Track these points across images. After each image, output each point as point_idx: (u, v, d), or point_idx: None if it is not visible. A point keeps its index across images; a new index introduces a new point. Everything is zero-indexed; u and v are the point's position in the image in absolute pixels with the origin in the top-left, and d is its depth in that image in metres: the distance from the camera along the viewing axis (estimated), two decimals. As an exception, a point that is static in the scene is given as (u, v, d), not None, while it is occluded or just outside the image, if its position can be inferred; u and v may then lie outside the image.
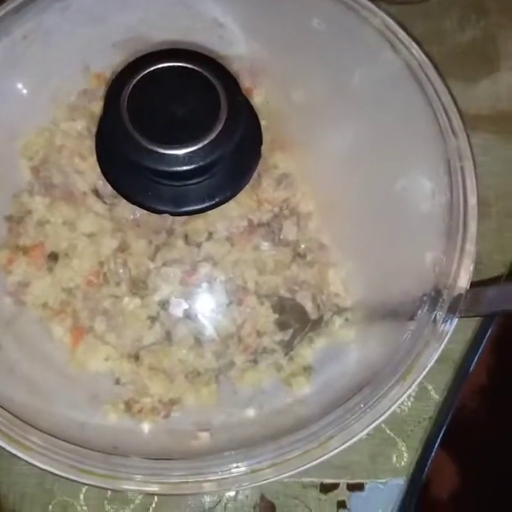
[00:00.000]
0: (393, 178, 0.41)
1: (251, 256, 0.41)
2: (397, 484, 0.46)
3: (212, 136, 0.33)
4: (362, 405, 0.36)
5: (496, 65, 0.56)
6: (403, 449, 0.47)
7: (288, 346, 0.42)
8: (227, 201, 0.37)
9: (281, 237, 0.43)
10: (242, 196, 0.40)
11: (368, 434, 0.45)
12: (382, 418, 0.35)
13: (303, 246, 0.43)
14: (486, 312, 0.37)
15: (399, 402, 0.35)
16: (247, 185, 0.39)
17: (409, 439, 0.47)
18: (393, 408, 0.35)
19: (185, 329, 0.41)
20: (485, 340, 0.45)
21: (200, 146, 0.32)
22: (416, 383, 0.35)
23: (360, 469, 0.46)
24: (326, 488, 0.46)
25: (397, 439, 0.47)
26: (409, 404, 0.47)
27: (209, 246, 0.41)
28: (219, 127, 0.33)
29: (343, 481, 0.46)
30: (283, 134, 0.42)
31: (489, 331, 0.46)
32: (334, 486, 0.46)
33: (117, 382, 0.41)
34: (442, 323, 0.36)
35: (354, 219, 0.42)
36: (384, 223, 0.41)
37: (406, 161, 0.41)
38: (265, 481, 0.35)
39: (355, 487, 0.46)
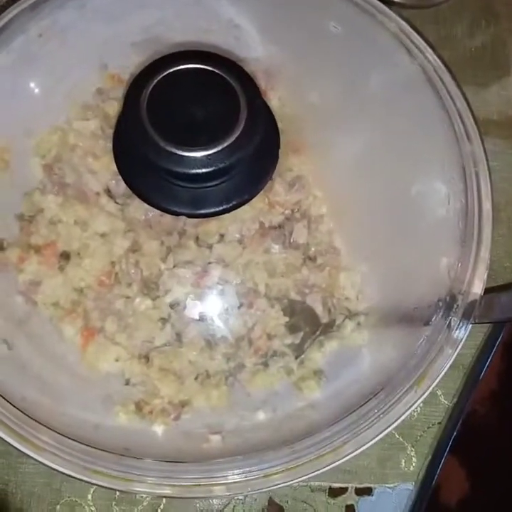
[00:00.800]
0: (407, 182, 0.41)
1: (262, 258, 0.41)
2: (406, 489, 0.46)
3: (232, 138, 0.32)
4: (376, 411, 0.35)
5: (506, 70, 0.56)
6: (412, 453, 0.47)
7: (298, 349, 0.42)
8: (244, 204, 0.37)
9: (292, 239, 0.43)
10: (255, 199, 0.40)
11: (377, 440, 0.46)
12: (396, 424, 0.35)
13: (313, 249, 0.43)
14: (499, 318, 0.37)
15: (413, 407, 0.35)
16: (261, 188, 0.40)
17: (418, 444, 0.47)
18: (407, 414, 0.35)
19: (196, 331, 0.40)
20: (496, 346, 0.45)
21: (219, 148, 0.32)
22: (430, 389, 0.35)
23: (369, 474, 0.46)
24: (335, 493, 0.46)
25: (406, 444, 0.47)
26: (419, 409, 0.47)
27: (220, 248, 0.40)
28: (238, 130, 0.33)
29: (351, 486, 0.46)
30: (297, 137, 0.42)
31: (500, 336, 0.46)
32: (343, 491, 0.46)
33: (127, 383, 0.41)
34: (456, 329, 0.36)
35: (367, 223, 0.42)
36: (398, 228, 0.41)
37: (420, 166, 0.41)
38: (277, 486, 0.35)
39: (364, 491, 0.46)
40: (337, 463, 0.35)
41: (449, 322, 0.36)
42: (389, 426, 0.35)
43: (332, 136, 0.42)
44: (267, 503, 0.45)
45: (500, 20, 0.57)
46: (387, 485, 0.46)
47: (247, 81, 0.33)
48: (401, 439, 0.47)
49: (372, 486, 0.46)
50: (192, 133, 0.33)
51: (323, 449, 0.35)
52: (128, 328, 0.41)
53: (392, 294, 0.41)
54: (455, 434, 0.44)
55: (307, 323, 0.42)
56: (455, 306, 0.37)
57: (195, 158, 0.32)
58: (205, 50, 0.34)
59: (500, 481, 0.44)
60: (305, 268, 0.42)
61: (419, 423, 0.47)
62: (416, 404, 0.35)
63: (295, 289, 0.42)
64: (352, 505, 0.46)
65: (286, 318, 0.42)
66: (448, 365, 0.36)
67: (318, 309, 0.42)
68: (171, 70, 0.33)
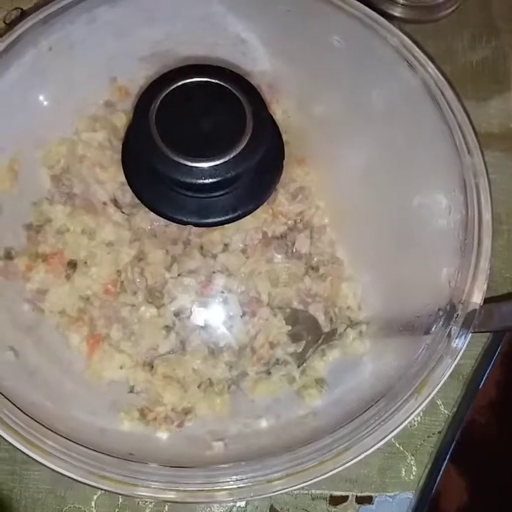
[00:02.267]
0: (409, 194, 0.41)
1: (265, 268, 0.42)
2: (406, 498, 0.46)
3: (238, 150, 0.33)
4: (376, 418, 0.36)
5: (506, 84, 0.56)
6: (412, 462, 0.47)
7: (300, 358, 0.42)
8: (249, 214, 0.38)
9: (295, 249, 0.43)
10: (259, 209, 0.41)
11: (378, 448, 0.46)
12: (396, 431, 0.35)
13: (316, 259, 0.44)
14: (499, 327, 0.38)
15: (413, 415, 0.35)
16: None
17: (418, 453, 0.47)
18: (407, 422, 0.35)
19: (200, 339, 0.41)
20: (495, 356, 0.46)
21: (225, 159, 0.33)
22: (430, 397, 0.36)
23: (369, 482, 0.47)
24: (335, 501, 0.46)
25: (407, 453, 0.47)
26: (419, 418, 0.48)
27: (224, 257, 0.41)
28: (244, 142, 0.33)
29: (352, 494, 0.46)
30: (301, 148, 0.43)
31: (500, 347, 0.46)
32: (343, 499, 0.46)
33: (132, 390, 0.42)
34: (456, 337, 0.37)
35: (369, 233, 0.43)
36: (399, 238, 0.41)
37: (422, 178, 0.41)
38: (279, 492, 0.35)
39: (364, 500, 0.46)
40: (338, 469, 0.35)
41: (449, 331, 0.37)
42: (389, 433, 0.35)
43: (335, 148, 0.43)
44: (267, 511, 0.45)
45: (501, 34, 0.58)
46: (387, 493, 0.47)
47: (253, 94, 0.34)
48: (401, 448, 0.47)
49: (372, 494, 0.47)
50: (199, 144, 0.34)
51: (324, 456, 0.35)
52: (133, 336, 0.41)
53: (393, 303, 0.42)
54: (454, 443, 0.45)
55: (309, 332, 0.43)
56: (455, 315, 0.37)
57: (202, 169, 0.33)
58: (212, 64, 0.35)
59: (499, 489, 0.44)
60: (307, 278, 0.43)
61: (419, 432, 0.48)
62: (416, 412, 0.35)
63: (297, 298, 0.43)
64: (352, 514, 0.46)
65: (289, 327, 0.42)
66: (448, 374, 0.36)
67: (321, 318, 0.43)
68: (179, 84, 0.34)
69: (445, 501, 0.44)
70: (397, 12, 0.57)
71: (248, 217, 0.40)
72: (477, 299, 0.37)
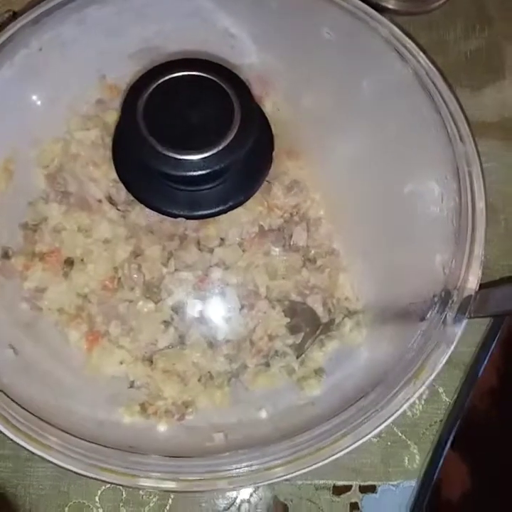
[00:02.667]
0: (402, 183, 0.42)
1: (262, 261, 0.42)
2: (409, 486, 0.47)
3: (226, 142, 0.34)
4: (373, 405, 0.36)
5: (500, 73, 0.56)
6: (415, 451, 0.47)
7: (299, 349, 0.43)
8: (240, 205, 0.38)
9: (292, 242, 0.43)
10: (253, 202, 0.41)
11: (379, 437, 0.47)
12: (394, 417, 0.36)
13: (313, 251, 0.44)
14: (494, 312, 0.38)
15: (410, 401, 0.36)
16: (258, 192, 0.40)
17: (421, 442, 0.47)
18: (404, 407, 0.36)
19: (199, 333, 0.41)
20: (494, 343, 0.46)
21: (214, 151, 0.34)
22: (427, 383, 0.36)
23: (373, 471, 0.47)
24: (339, 490, 0.47)
25: (409, 442, 0.47)
26: (421, 407, 0.48)
27: (221, 252, 0.41)
28: (232, 133, 0.34)
29: (355, 483, 0.47)
30: (293, 142, 0.43)
31: (499, 333, 0.46)
32: (347, 488, 0.47)
33: (132, 385, 0.42)
34: (452, 323, 0.37)
35: (364, 223, 0.43)
36: (394, 227, 0.41)
37: (415, 167, 0.42)
38: (278, 479, 0.36)
39: (368, 489, 0.47)
40: (337, 455, 0.35)
41: (445, 317, 0.37)
42: (387, 419, 0.36)
43: (328, 140, 0.43)
44: (271, 502, 0.46)
45: (494, 24, 0.58)
46: (390, 482, 0.47)
47: (240, 86, 0.35)
48: (404, 437, 0.47)
49: (376, 483, 0.47)
50: (188, 137, 0.34)
51: (322, 443, 0.36)
52: (132, 332, 0.41)
53: (388, 291, 0.42)
54: (456, 430, 0.45)
55: (308, 324, 0.43)
56: (450, 301, 0.37)
57: (191, 161, 0.33)
58: (199, 58, 0.35)
59: (501, 474, 0.44)
60: (305, 270, 0.43)
61: (421, 421, 0.48)
62: (414, 398, 0.36)
63: (295, 290, 0.43)
64: (356, 503, 0.46)
65: (287, 319, 0.42)
66: (445, 359, 0.36)
67: (319, 310, 0.43)
68: (166, 78, 0.34)
69: (448, 488, 0.44)
70: (390, 4, 0.57)
71: (244, 210, 0.41)
72: (472, 285, 0.38)
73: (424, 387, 0.36)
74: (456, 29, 0.58)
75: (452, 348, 0.36)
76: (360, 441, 0.36)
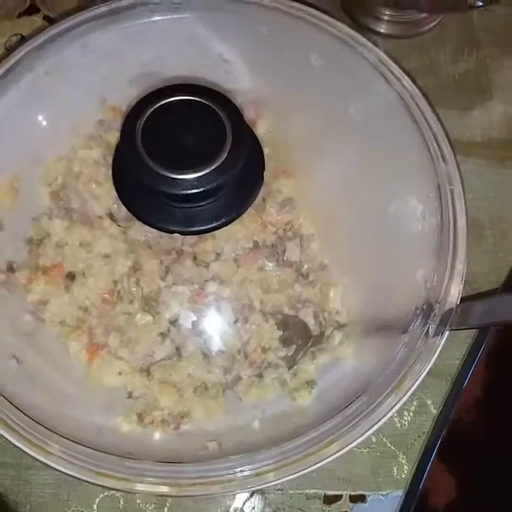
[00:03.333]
0: (387, 201, 0.43)
1: (256, 276, 0.43)
2: (398, 496, 0.48)
3: (219, 162, 0.36)
4: (358, 413, 0.37)
5: (488, 94, 0.58)
6: (403, 461, 0.48)
7: (291, 361, 0.44)
8: (232, 222, 0.40)
9: (285, 258, 0.45)
10: (248, 219, 0.43)
11: (369, 447, 0.48)
12: (378, 425, 0.37)
13: (306, 266, 0.45)
14: (475, 325, 0.39)
15: (394, 409, 0.37)
16: (253, 209, 0.42)
17: (409, 452, 0.48)
18: (389, 415, 0.37)
19: (194, 345, 0.43)
20: (479, 355, 0.47)
21: (207, 171, 0.35)
22: (410, 392, 0.37)
23: (362, 481, 0.48)
24: (329, 500, 0.48)
25: (398, 452, 0.48)
26: (409, 418, 0.49)
27: (217, 266, 0.43)
28: (225, 154, 0.36)
29: (345, 493, 0.48)
30: (285, 161, 0.45)
31: (483, 346, 0.47)
32: (337, 498, 0.48)
33: (130, 395, 0.43)
34: (434, 335, 0.38)
35: (351, 240, 0.45)
36: (379, 243, 0.43)
37: (399, 186, 0.43)
38: (269, 484, 0.37)
39: (358, 499, 0.48)
40: (323, 462, 0.36)
41: (427, 329, 0.39)
42: (372, 427, 0.37)
43: (317, 160, 0.45)
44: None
45: (482, 47, 0.60)
46: (380, 492, 0.48)
47: (232, 109, 0.37)
48: (393, 447, 0.49)
49: (365, 493, 0.48)
50: (183, 158, 0.36)
51: (309, 450, 0.37)
52: (130, 343, 0.43)
53: (372, 305, 0.43)
54: (442, 441, 0.46)
55: (299, 336, 0.44)
56: (432, 314, 0.39)
57: (186, 181, 0.35)
58: (194, 83, 0.37)
59: (486, 485, 0.45)
60: (297, 284, 0.45)
61: (410, 432, 0.49)
62: (397, 406, 0.37)
63: (288, 304, 0.44)
64: (346, 512, 0.47)
65: (280, 332, 0.44)
66: (427, 369, 0.38)
67: (310, 322, 0.45)
68: (163, 102, 0.36)
69: (434, 498, 0.45)
70: (381, 28, 0.59)
71: (239, 226, 0.42)
72: (453, 298, 0.39)
73: (407, 396, 0.37)
74: (446, 52, 0.60)
75: (434, 358, 0.38)
76: (346, 449, 0.37)
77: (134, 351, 0.43)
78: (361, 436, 0.37)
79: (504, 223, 0.54)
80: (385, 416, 0.37)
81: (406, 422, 0.49)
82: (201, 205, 0.39)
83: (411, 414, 0.49)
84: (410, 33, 0.60)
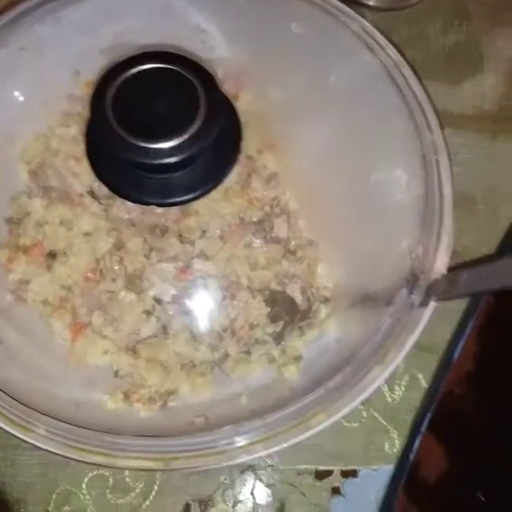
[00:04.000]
0: (371, 172, 0.43)
1: (243, 253, 0.43)
2: (389, 470, 0.47)
3: (193, 129, 0.35)
4: (343, 385, 0.37)
5: (479, 66, 0.57)
6: (395, 436, 0.48)
7: (279, 337, 0.44)
8: (209, 193, 0.39)
9: (273, 234, 0.44)
10: (234, 195, 0.42)
11: (360, 422, 0.48)
12: (364, 396, 0.37)
13: (293, 242, 0.45)
14: (462, 294, 0.38)
15: (380, 380, 0.37)
16: (238, 185, 0.42)
17: (401, 427, 0.48)
18: (375, 386, 0.37)
19: (181, 323, 0.42)
20: (469, 327, 0.46)
21: (182, 139, 0.35)
22: (395, 362, 0.37)
23: (354, 456, 0.48)
24: (321, 475, 0.47)
25: (389, 427, 0.48)
26: (401, 393, 0.49)
27: (202, 243, 0.42)
28: (199, 121, 0.35)
29: (337, 468, 0.48)
30: (269, 135, 0.44)
31: (473, 317, 0.47)
32: (328, 473, 0.47)
33: (116, 374, 0.43)
34: (420, 306, 0.38)
35: (337, 213, 0.44)
36: (363, 215, 0.42)
37: (383, 156, 0.43)
38: (254, 456, 0.37)
39: (349, 474, 0.48)
40: (310, 432, 0.36)
41: (412, 300, 0.38)
42: (357, 397, 0.36)
43: (300, 132, 0.44)
44: (253, 488, 0.47)
45: (473, 19, 0.59)
46: (371, 467, 0.48)
47: (205, 76, 0.36)
48: (384, 422, 0.48)
49: (357, 468, 0.48)
50: (156, 127, 0.35)
51: (293, 422, 0.37)
52: (114, 322, 0.42)
53: (358, 277, 0.43)
54: (432, 413, 0.45)
55: (287, 312, 0.44)
56: (417, 285, 0.38)
57: (159, 150, 0.35)
58: (165, 51, 0.37)
59: (477, 457, 0.45)
60: (285, 261, 0.44)
61: (401, 407, 0.49)
62: (381, 378, 0.37)
63: (276, 280, 0.44)
64: (338, 487, 0.47)
65: (268, 308, 0.43)
66: (412, 341, 0.37)
67: (298, 298, 0.44)
68: (133, 71, 0.36)
69: (424, 470, 0.45)
70: (370, 1, 0.58)
71: (224, 203, 0.42)
72: (439, 268, 0.39)
73: (392, 367, 0.37)
74: (436, 24, 0.59)
75: (419, 329, 0.37)
76: (333, 419, 0.37)
77: (118, 329, 0.43)
78: (346, 406, 0.36)
79: (496, 197, 0.54)
80: (369, 386, 0.36)
81: (397, 397, 0.49)
82: (177, 176, 0.38)
83: (402, 389, 0.49)
84: (400, 5, 0.59)
